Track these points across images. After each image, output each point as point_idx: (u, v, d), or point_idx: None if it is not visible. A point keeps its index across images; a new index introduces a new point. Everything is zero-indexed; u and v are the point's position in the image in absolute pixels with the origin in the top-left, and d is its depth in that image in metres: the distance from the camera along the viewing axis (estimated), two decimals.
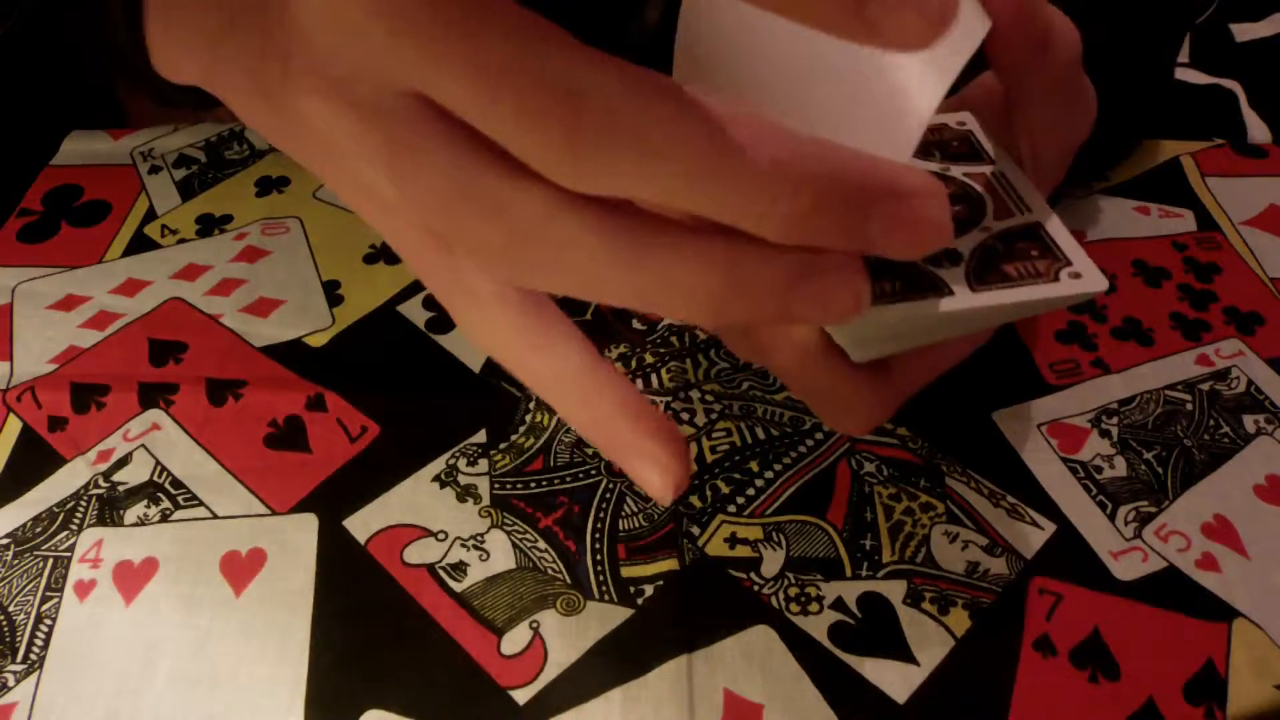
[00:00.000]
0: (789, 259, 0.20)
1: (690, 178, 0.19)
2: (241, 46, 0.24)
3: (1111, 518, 0.38)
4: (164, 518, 0.39)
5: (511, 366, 0.23)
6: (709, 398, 0.42)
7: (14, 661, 0.35)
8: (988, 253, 0.27)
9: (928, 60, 0.24)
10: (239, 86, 0.25)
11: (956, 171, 0.29)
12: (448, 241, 0.22)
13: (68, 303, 0.48)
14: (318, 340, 0.46)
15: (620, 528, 0.38)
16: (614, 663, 0.35)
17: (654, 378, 0.43)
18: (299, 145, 0.24)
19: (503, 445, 0.41)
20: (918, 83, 0.24)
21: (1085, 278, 0.26)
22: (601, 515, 0.39)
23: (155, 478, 0.41)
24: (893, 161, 0.20)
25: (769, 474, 0.40)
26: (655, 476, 0.22)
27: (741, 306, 0.20)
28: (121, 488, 0.40)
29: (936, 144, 0.29)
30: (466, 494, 0.40)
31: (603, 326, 0.45)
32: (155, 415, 0.43)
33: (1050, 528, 0.38)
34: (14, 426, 0.42)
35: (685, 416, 0.42)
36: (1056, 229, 0.27)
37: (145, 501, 0.40)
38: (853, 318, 0.21)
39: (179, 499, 0.40)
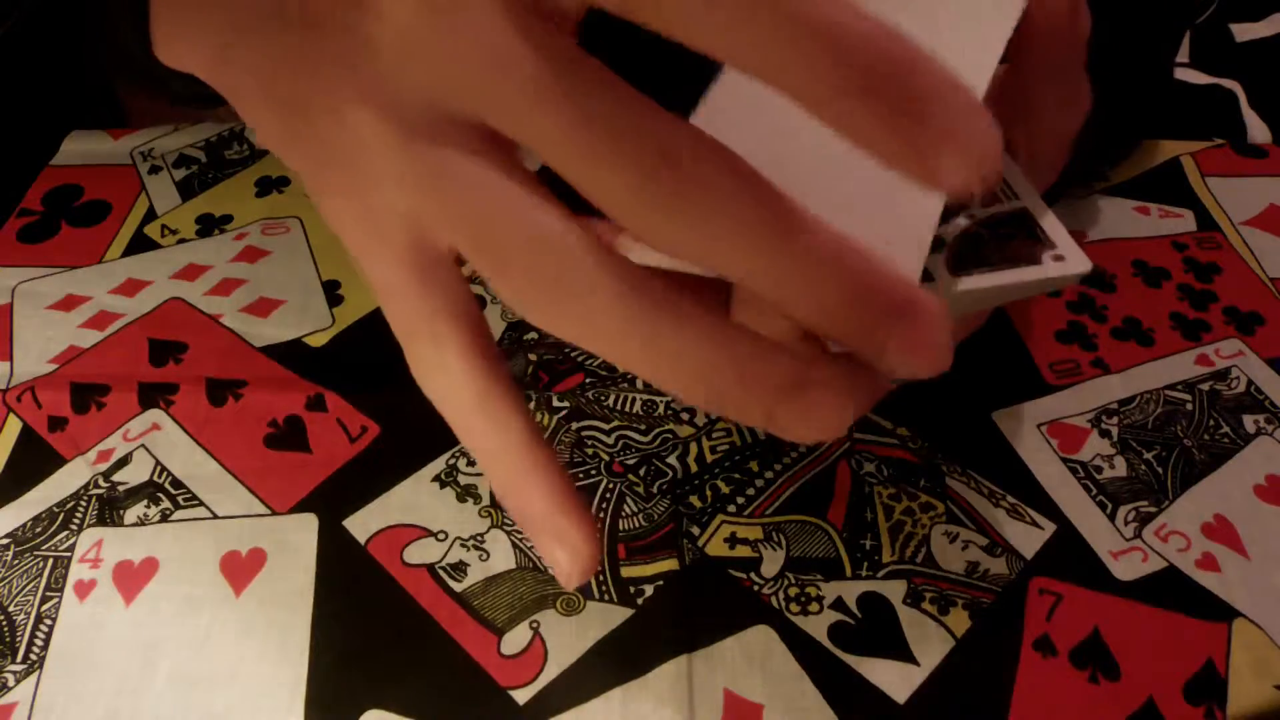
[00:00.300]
0: (794, 363, 0.21)
1: (756, 248, 0.19)
2: (263, 50, 0.24)
3: (1111, 518, 0.38)
4: (164, 518, 0.39)
5: (454, 421, 0.23)
6: None
7: (14, 661, 0.35)
8: (971, 239, 0.27)
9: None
10: (247, 84, 0.25)
11: None
12: (477, 266, 0.22)
13: (68, 303, 0.48)
14: (318, 340, 0.46)
15: (620, 528, 0.38)
16: (614, 663, 0.35)
17: None
18: (306, 150, 0.24)
19: None
20: None
21: (1068, 260, 0.26)
22: (601, 515, 0.39)
23: (155, 478, 0.41)
24: (908, 279, 0.20)
25: (769, 474, 0.40)
26: (565, 558, 0.23)
27: (735, 395, 0.21)
28: (121, 488, 0.40)
29: None
30: (466, 494, 0.40)
31: None
32: (155, 415, 0.43)
33: (1050, 528, 0.38)
34: (14, 426, 0.42)
35: (685, 416, 0.42)
36: (1042, 213, 0.27)
37: (145, 501, 0.40)
38: (830, 438, 0.21)
39: (179, 499, 0.40)
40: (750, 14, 0.17)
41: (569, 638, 0.35)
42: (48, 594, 0.37)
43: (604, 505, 0.39)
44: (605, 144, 0.19)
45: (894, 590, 0.36)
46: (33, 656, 0.35)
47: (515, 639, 0.35)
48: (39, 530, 0.39)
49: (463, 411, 0.23)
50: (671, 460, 0.40)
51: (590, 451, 0.41)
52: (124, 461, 0.41)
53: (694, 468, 0.40)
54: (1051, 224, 0.27)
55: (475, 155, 0.21)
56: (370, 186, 0.22)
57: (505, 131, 0.21)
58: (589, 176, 0.20)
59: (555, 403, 0.42)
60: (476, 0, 0.20)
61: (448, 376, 0.23)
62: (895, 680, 0.34)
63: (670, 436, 0.41)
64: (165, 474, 0.41)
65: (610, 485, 0.40)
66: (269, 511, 0.39)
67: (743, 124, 0.26)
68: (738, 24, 0.18)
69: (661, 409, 0.42)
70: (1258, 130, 0.57)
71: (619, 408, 0.42)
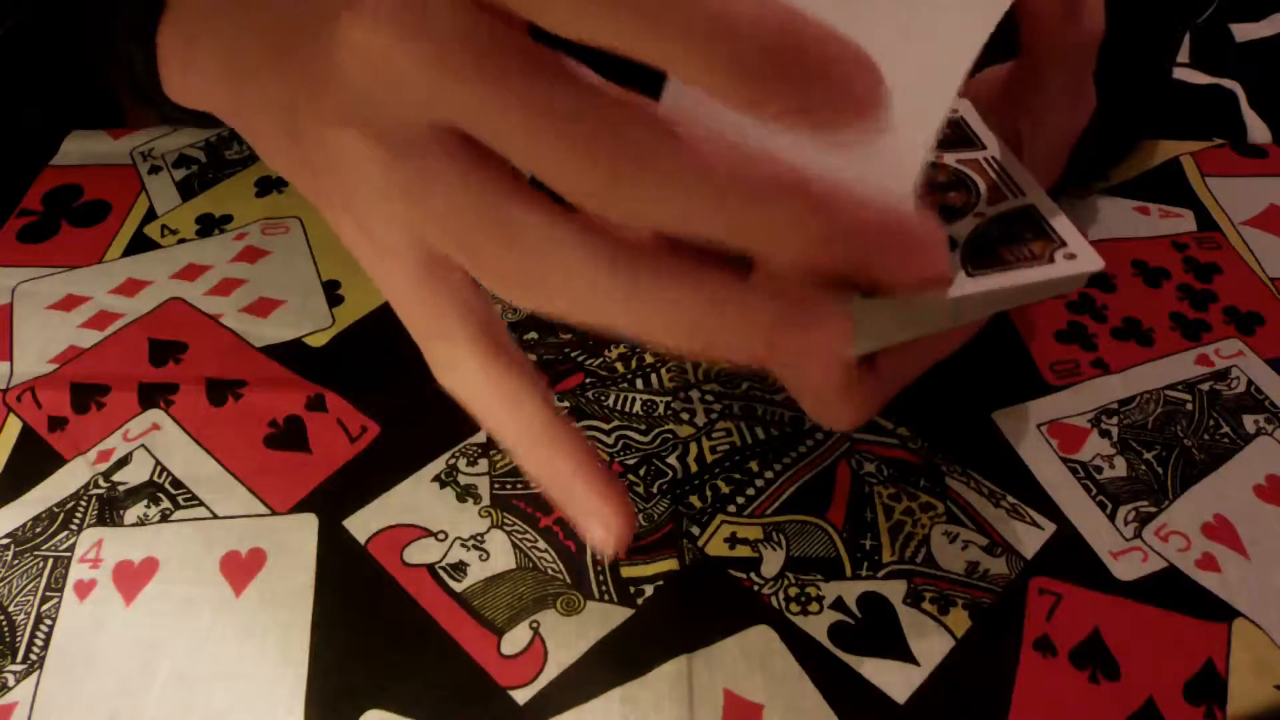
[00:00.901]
0: (780, 301, 0.21)
1: (721, 206, 0.20)
2: (266, 85, 0.26)
3: (1111, 518, 0.38)
4: (164, 518, 0.39)
5: (478, 414, 0.25)
6: (709, 398, 0.42)
7: (14, 661, 0.35)
8: (982, 238, 0.27)
9: (931, 72, 0.24)
10: (259, 123, 0.27)
11: (949, 159, 0.29)
12: (462, 263, 0.23)
13: (68, 303, 0.48)
14: (318, 340, 0.46)
15: None
16: (614, 663, 0.35)
17: (654, 377, 0.43)
18: (313, 179, 0.25)
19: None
20: (918, 99, 0.24)
21: (1080, 258, 0.26)
22: None
23: (155, 478, 0.41)
24: (902, 205, 0.21)
25: (769, 474, 0.40)
26: (598, 530, 0.24)
27: (730, 333, 0.21)
28: (121, 488, 0.40)
29: None
30: (466, 494, 0.40)
31: None
32: (155, 415, 0.43)
33: (1050, 528, 0.38)
34: (14, 426, 0.42)
35: (685, 416, 0.42)
36: (1050, 211, 0.27)
37: (145, 501, 0.40)
38: (833, 364, 0.22)
39: (179, 499, 0.40)
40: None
41: (569, 638, 0.35)
42: (48, 594, 0.37)
43: None
44: (552, 129, 0.20)
45: (894, 590, 0.36)
46: (33, 656, 0.35)
47: (515, 639, 0.35)
48: (39, 530, 0.39)
49: (484, 403, 0.24)
50: (671, 460, 0.40)
51: None
52: (124, 461, 0.41)
53: (694, 468, 0.40)
54: (1061, 222, 0.27)
55: (452, 159, 0.22)
56: (366, 203, 0.23)
57: (471, 132, 0.21)
58: (548, 166, 0.20)
59: (555, 403, 0.42)
60: (420, 7, 0.21)
61: (465, 372, 0.24)
62: (895, 680, 0.34)
63: (670, 436, 0.41)
64: (165, 474, 0.41)
65: None
66: (269, 511, 0.39)
67: None
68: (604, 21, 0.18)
69: (661, 409, 0.42)
70: (1258, 130, 0.57)
71: (619, 408, 0.42)
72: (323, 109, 0.23)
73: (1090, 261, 0.26)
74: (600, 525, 0.24)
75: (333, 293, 0.48)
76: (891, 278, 0.21)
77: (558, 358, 0.44)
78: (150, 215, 0.52)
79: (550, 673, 0.34)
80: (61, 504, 0.40)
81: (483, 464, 0.41)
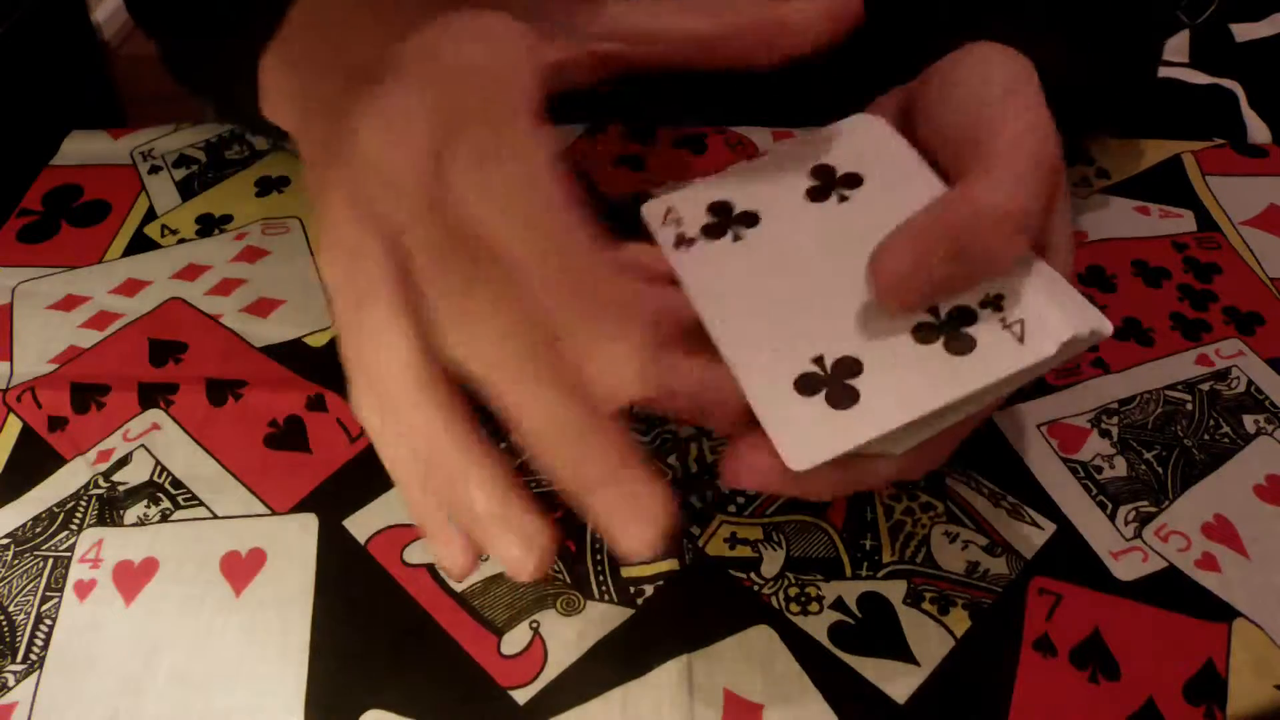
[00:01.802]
0: (496, 501, 0.27)
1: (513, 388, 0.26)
2: (316, 125, 0.30)
3: (1111, 518, 0.38)
4: (164, 518, 0.39)
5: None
6: None
7: (14, 661, 0.35)
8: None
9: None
10: (311, 148, 0.30)
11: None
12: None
13: (68, 303, 0.48)
14: (318, 340, 0.46)
15: None
16: (614, 663, 0.35)
17: None
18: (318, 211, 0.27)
19: (503, 445, 0.41)
20: None
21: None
22: None
23: (155, 478, 0.41)
24: (630, 449, 0.25)
25: None
26: (445, 561, 0.29)
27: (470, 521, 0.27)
28: (121, 488, 0.40)
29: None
30: None
31: None
32: (155, 415, 0.43)
33: (1050, 528, 0.38)
34: (14, 426, 0.42)
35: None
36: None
37: (145, 501, 0.40)
38: (525, 578, 0.26)
39: (179, 499, 0.40)
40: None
41: (569, 638, 0.35)
42: (48, 594, 0.37)
43: None
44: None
45: (894, 590, 0.36)
46: (33, 656, 0.35)
47: (515, 639, 0.35)
48: (39, 530, 0.39)
49: (384, 453, 0.28)
50: (671, 460, 0.40)
51: None
52: (124, 461, 0.41)
53: (694, 468, 0.40)
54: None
55: (383, 276, 0.25)
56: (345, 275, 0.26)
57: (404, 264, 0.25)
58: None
59: None
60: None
61: (386, 435, 0.28)
62: (895, 680, 0.34)
63: (670, 437, 0.41)
64: (165, 474, 0.41)
65: None
66: (269, 511, 0.39)
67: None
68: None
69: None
70: (1258, 130, 0.57)
71: None
72: (331, 174, 0.26)
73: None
74: (447, 556, 0.29)
75: None
76: (601, 521, 0.24)
77: None
78: (150, 215, 0.52)
79: (550, 673, 0.34)
80: (61, 504, 0.40)
81: None
